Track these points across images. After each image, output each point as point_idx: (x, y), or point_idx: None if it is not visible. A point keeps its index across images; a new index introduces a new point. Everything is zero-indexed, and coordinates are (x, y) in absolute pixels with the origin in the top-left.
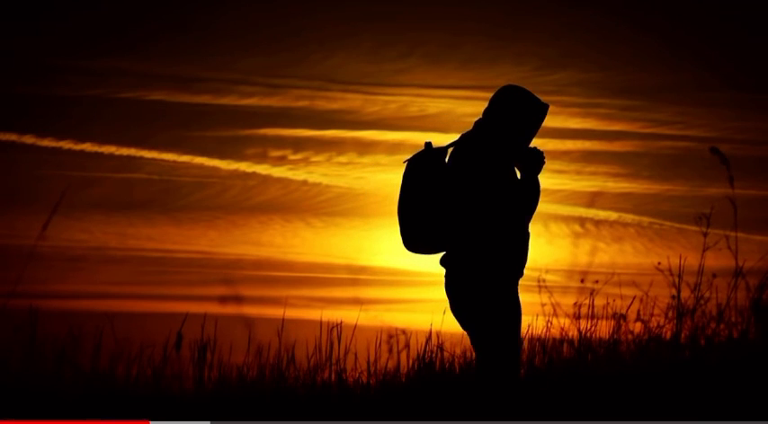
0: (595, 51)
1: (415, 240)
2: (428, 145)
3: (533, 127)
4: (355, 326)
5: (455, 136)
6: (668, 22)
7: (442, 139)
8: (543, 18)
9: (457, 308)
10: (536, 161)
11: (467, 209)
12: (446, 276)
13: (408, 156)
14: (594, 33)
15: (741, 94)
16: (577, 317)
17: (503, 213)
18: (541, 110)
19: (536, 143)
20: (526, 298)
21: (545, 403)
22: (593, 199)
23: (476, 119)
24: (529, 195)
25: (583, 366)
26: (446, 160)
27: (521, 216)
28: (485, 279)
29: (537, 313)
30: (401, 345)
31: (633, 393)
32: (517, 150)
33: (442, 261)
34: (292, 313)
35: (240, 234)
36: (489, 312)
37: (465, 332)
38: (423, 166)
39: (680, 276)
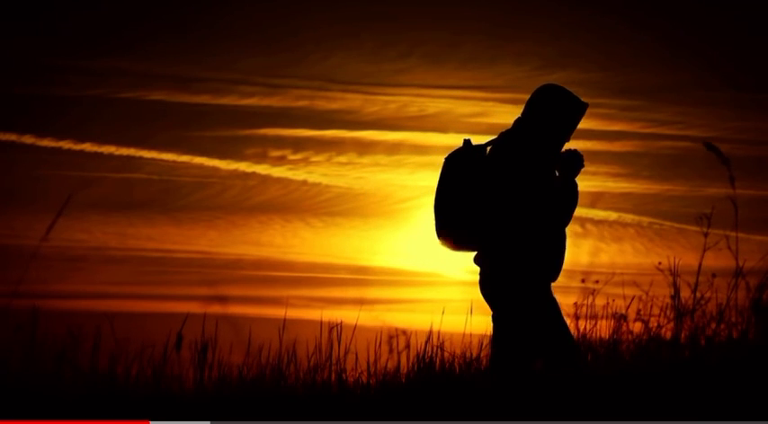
0: (595, 51)
1: (449, 237)
2: (467, 142)
3: (572, 125)
4: (355, 326)
5: (454, 136)
6: (668, 21)
7: (441, 139)
8: (543, 18)
9: (490, 305)
10: (574, 163)
11: (504, 207)
12: (480, 274)
13: (448, 153)
14: (594, 33)
15: (741, 94)
16: (577, 317)
17: (539, 212)
18: (580, 109)
19: None
20: None
21: (545, 403)
22: (595, 200)
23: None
24: (566, 197)
25: (583, 365)
26: (484, 157)
27: (557, 217)
28: (518, 279)
29: None
30: (401, 345)
31: (633, 392)
32: (556, 149)
33: (476, 260)
34: (292, 313)
35: (240, 234)
36: (520, 311)
37: (470, 332)
38: (461, 163)
39: (674, 274)
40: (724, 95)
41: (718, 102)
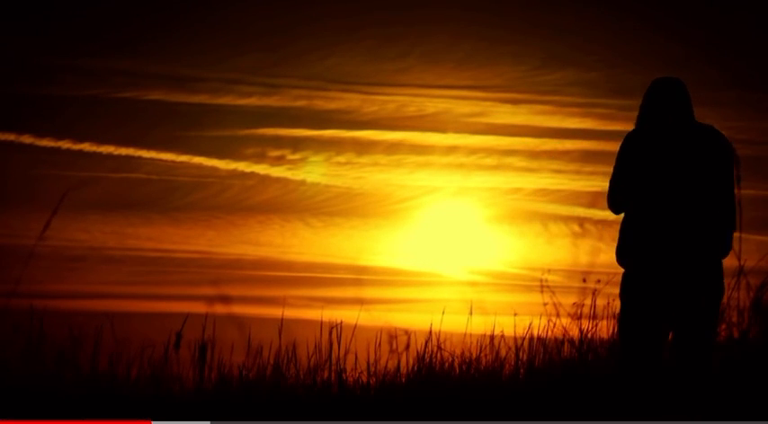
0: (595, 50)
1: (620, 207)
2: (668, 119)
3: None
4: (355, 326)
5: (453, 136)
6: (673, 19)
7: (440, 139)
8: (543, 17)
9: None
10: None
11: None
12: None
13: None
14: (595, 33)
15: (747, 93)
16: (578, 317)
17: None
18: (655, 88)
19: (534, 143)
20: (528, 298)
21: (545, 403)
22: (595, 200)
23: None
24: None
25: (583, 366)
26: (660, 137)
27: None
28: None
29: (540, 313)
30: (401, 345)
31: (633, 392)
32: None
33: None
34: (292, 313)
35: (239, 234)
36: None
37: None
38: (637, 142)
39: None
40: (729, 94)
41: (723, 102)
